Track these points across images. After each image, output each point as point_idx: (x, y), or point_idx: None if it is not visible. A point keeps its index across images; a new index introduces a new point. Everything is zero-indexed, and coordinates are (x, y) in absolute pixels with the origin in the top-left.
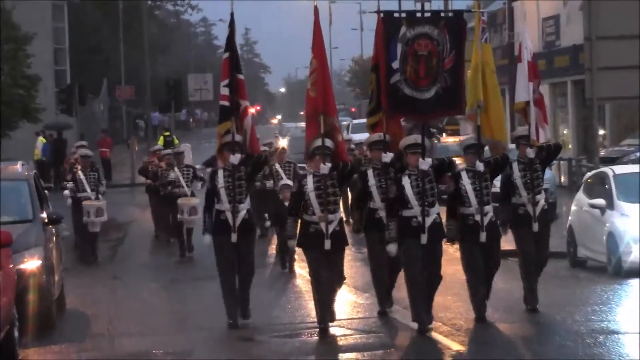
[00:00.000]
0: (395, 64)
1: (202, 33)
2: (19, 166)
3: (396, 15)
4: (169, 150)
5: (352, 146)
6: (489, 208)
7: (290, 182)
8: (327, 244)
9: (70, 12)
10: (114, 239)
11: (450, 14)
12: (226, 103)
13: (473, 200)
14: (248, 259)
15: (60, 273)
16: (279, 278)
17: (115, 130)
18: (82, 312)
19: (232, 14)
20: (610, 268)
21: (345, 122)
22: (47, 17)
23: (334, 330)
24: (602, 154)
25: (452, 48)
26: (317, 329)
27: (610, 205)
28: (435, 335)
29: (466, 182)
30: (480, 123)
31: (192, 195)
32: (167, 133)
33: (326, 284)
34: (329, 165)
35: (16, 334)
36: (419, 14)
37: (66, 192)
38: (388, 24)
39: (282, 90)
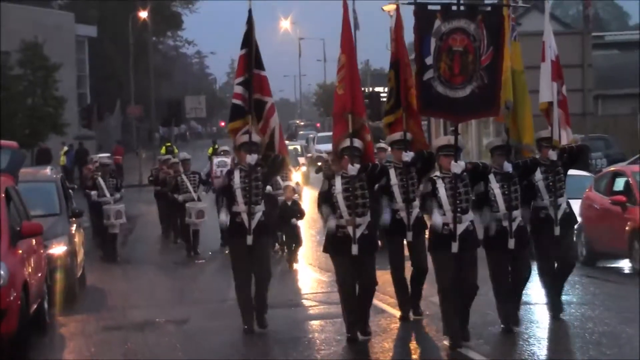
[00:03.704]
0: (429, 60)
1: (196, 63)
2: (48, 170)
3: (430, 7)
4: (176, 159)
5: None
6: (517, 213)
7: (292, 184)
8: (355, 249)
9: (90, 46)
10: (126, 229)
11: (488, 8)
12: (239, 101)
13: (501, 204)
14: (264, 262)
15: (82, 256)
16: None
17: (127, 141)
18: (100, 288)
19: (250, 11)
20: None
21: (311, 135)
22: (71, 50)
23: (306, 302)
24: None
25: (490, 44)
26: (299, 304)
27: None
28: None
29: (494, 185)
30: (508, 125)
31: (199, 200)
32: (169, 143)
33: (353, 292)
34: (357, 166)
35: (46, 306)
36: (454, 7)
37: (93, 193)
38: (421, 17)
39: None
